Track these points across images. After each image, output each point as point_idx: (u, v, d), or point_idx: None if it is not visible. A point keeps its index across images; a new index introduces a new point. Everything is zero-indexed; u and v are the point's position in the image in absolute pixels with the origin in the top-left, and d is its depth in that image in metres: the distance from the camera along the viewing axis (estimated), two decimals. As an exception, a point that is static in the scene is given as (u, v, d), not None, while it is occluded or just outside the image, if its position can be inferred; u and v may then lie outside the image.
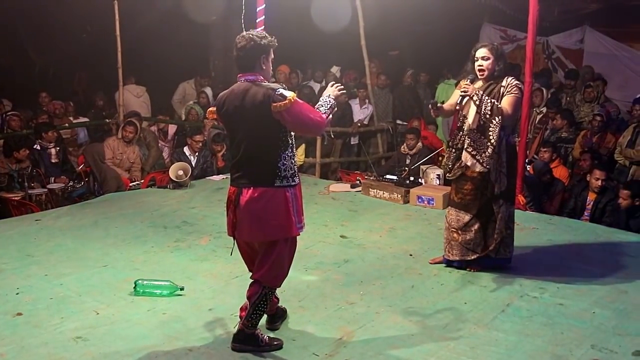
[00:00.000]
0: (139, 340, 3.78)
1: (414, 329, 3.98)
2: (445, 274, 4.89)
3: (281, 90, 3.49)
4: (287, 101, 3.44)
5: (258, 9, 8.16)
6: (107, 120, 9.64)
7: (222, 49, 11.39)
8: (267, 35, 3.64)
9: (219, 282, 4.67)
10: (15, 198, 6.95)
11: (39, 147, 7.75)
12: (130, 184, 7.94)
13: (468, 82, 4.72)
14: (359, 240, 5.71)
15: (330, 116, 3.72)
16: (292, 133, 3.65)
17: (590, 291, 4.57)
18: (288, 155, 3.60)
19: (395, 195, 6.95)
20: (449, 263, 5.01)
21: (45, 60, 11.50)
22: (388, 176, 7.34)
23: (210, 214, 6.44)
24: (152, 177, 7.93)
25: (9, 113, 8.58)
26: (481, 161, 4.69)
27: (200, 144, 8.23)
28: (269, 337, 3.75)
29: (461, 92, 4.71)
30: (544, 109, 8.90)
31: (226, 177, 7.98)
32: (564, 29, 11.07)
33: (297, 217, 3.65)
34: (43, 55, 11.36)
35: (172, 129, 10.02)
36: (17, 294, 4.41)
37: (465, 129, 4.80)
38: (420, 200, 6.79)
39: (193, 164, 8.10)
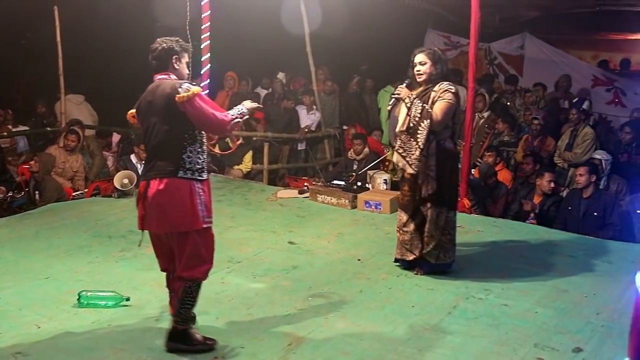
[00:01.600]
0: (83, 353, 3.69)
1: (363, 333, 4.00)
2: (393, 278, 4.94)
3: (187, 84, 3.64)
4: (189, 93, 3.58)
5: (203, 15, 8.11)
6: (48, 129, 9.39)
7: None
8: (180, 40, 3.90)
9: (166, 292, 4.56)
10: (-49, 209, 6.70)
11: (-25, 157, 7.50)
12: (74, 194, 7.75)
13: (403, 85, 4.88)
14: (307, 246, 5.72)
15: (240, 121, 3.87)
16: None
17: (533, 291, 4.69)
18: (196, 150, 3.71)
19: (343, 200, 6.99)
20: (396, 260, 5.13)
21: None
22: (335, 182, 7.38)
23: (157, 222, 6.33)
24: (97, 186, 7.76)
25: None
26: (410, 163, 4.79)
27: (147, 152, 8.10)
28: (202, 336, 3.79)
29: (392, 94, 4.90)
30: (486, 114, 9.09)
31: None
32: (505, 36, 11.38)
33: (206, 211, 3.73)
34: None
35: (115, 137, 9.84)
36: (-47, 309, 4.25)
37: (396, 131, 4.91)
38: (367, 205, 6.84)
39: (139, 172, 7.96)
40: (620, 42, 12.47)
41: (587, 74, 10.37)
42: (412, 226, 4.92)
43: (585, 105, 8.34)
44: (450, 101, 4.71)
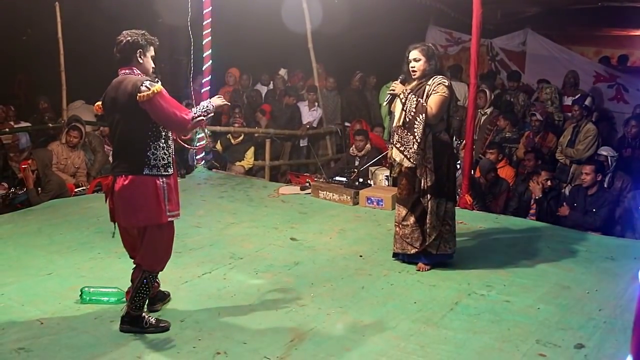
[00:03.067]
0: (85, 349, 3.69)
1: (365, 329, 4.00)
2: (395, 274, 4.94)
3: (148, 83, 3.71)
4: (150, 92, 3.65)
5: (205, 12, 8.12)
6: (50, 125, 9.39)
7: (168, 52, 11.24)
8: (146, 33, 3.92)
9: (168, 288, 4.59)
10: (-46, 206, 6.71)
11: (-24, 153, 7.50)
12: (76, 190, 7.75)
13: (398, 81, 4.93)
14: (309, 242, 5.72)
15: (203, 119, 3.92)
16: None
17: (535, 287, 4.70)
18: (159, 146, 3.81)
19: (345, 197, 6.99)
20: (394, 255, 5.17)
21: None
22: (337, 178, 7.38)
23: (159, 218, 6.34)
24: (99, 182, 7.75)
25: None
26: (408, 157, 4.86)
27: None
28: (155, 319, 3.95)
29: (389, 91, 4.97)
30: (488, 110, 9.08)
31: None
32: (507, 32, 11.35)
33: (169, 205, 3.83)
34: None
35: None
36: (-44, 305, 4.26)
37: (393, 126, 4.96)
38: (369, 201, 6.85)
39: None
40: (623, 38, 12.46)
41: (589, 70, 10.33)
42: (412, 219, 4.97)
43: (587, 102, 8.31)
44: (444, 94, 4.77)
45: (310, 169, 9.78)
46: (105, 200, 3.93)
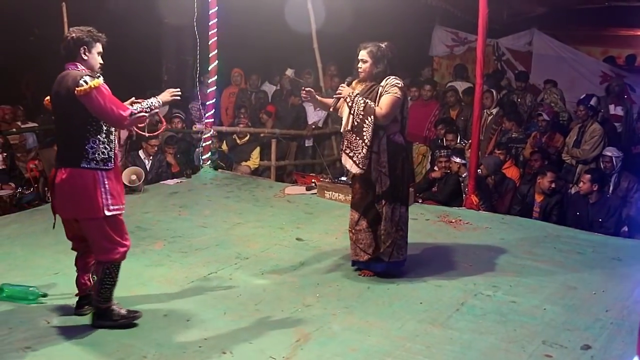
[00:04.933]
0: (91, 348, 3.70)
1: (371, 330, 4.00)
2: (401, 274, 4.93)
3: (87, 77, 3.75)
4: (87, 87, 3.70)
5: (211, 12, 8.13)
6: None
7: (174, 52, 11.26)
8: (92, 30, 3.96)
9: (174, 288, 4.62)
10: (-39, 205, 6.74)
11: (-16, 154, 7.55)
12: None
13: (345, 84, 4.84)
14: (314, 242, 5.72)
15: (145, 115, 3.99)
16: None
17: (541, 288, 4.68)
18: (100, 140, 3.86)
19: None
20: (353, 263, 5.00)
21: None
22: (343, 178, 7.36)
23: (165, 218, 6.36)
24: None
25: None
26: (357, 162, 4.68)
27: (156, 148, 8.15)
28: (126, 310, 4.01)
29: (335, 94, 4.85)
30: (494, 110, 9.07)
31: (181, 181, 7.91)
32: (513, 32, 11.31)
33: (112, 199, 3.88)
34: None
35: (123, 133, 9.85)
36: (-38, 304, 4.27)
37: (342, 130, 4.85)
38: (375, 201, 6.82)
39: (148, 167, 8.01)
40: (630, 38, 12.39)
41: (595, 70, 10.29)
42: (364, 224, 4.80)
43: (592, 102, 8.27)
44: (396, 95, 4.62)
45: (316, 169, 9.77)
46: (48, 192, 4.03)
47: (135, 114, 3.91)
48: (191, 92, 10.57)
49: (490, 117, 9.00)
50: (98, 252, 3.94)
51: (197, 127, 8.91)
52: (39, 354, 3.64)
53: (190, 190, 7.60)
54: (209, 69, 8.37)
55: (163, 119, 4.63)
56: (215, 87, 8.54)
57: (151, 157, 8.12)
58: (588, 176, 6.76)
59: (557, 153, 8.35)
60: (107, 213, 3.85)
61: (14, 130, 9.04)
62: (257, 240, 5.74)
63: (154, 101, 4.08)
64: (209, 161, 8.60)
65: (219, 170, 8.63)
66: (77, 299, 4.18)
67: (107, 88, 3.85)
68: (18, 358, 3.59)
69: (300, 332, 3.93)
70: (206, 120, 8.62)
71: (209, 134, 8.55)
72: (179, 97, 4.26)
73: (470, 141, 7.17)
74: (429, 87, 9.70)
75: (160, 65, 11.66)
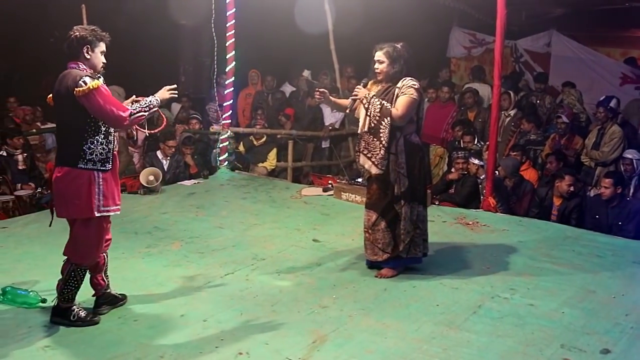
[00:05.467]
0: (109, 348, 3.73)
1: (387, 331, 3.99)
2: (418, 276, 4.91)
3: (86, 78, 3.76)
4: (85, 88, 3.72)
5: (228, 13, 8.16)
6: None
7: (192, 54, 11.32)
8: (96, 29, 3.96)
9: (191, 288, 4.64)
10: (-18, 205, 6.82)
11: (5, 154, 7.62)
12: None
13: (361, 85, 4.85)
14: (331, 243, 5.72)
15: (144, 114, 3.98)
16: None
17: (560, 291, 4.64)
18: (98, 141, 3.88)
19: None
20: (368, 263, 5.05)
21: (11, 65, 11.29)
22: (359, 180, 7.35)
23: (182, 219, 6.40)
24: (123, 182, 7.81)
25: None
26: (376, 163, 4.71)
27: (173, 149, 8.20)
28: (86, 313, 4.04)
29: (352, 96, 4.86)
30: (512, 112, 9.01)
31: (198, 182, 7.95)
32: (531, 33, 11.22)
33: (103, 201, 3.90)
34: (8, 60, 11.15)
35: (141, 134, 9.92)
36: (-17, 302, 4.32)
37: (359, 132, 4.86)
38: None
39: (165, 168, 8.06)
40: (651, 40, 12.24)
41: (615, 71, 10.18)
42: (382, 224, 4.83)
43: (612, 103, 8.19)
44: (412, 96, 4.64)
45: (332, 170, 9.77)
46: (48, 190, 4.05)
47: (135, 114, 3.92)
48: (208, 93, 10.62)
49: (508, 119, 8.95)
50: (72, 252, 3.97)
51: (215, 128, 8.95)
52: (58, 353, 3.67)
53: (207, 191, 7.63)
54: (226, 70, 8.40)
55: (164, 116, 4.62)
56: (232, 89, 8.57)
57: (169, 158, 8.16)
58: (610, 180, 6.59)
59: (575, 155, 8.27)
60: (97, 214, 3.88)
61: (34, 130, 9.14)
62: (273, 241, 5.75)
63: (152, 100, 4.07)
64: (226, 162, 8.63)
65: (236, 171, 8.67)
66: (94, 299, 4.21)
67: (107, 88, 3.87)
68: (38, 357, 3.63)
69: (317, 334, 3.93)
70: (223, 122, 8.66)
71: (226, 135, 8.59)
72: (176, 95, 4.27)
73: (488, 143, 7.12)
74: (447, 88, 9.69)
75: (178, 66, 11.72)
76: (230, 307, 4.32)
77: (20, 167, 7.66)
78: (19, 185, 7.43)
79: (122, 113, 3.83)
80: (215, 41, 8.14)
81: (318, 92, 4.97)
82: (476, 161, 7.60)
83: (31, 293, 4.33)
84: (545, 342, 3.86)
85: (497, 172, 7.18)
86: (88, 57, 3.90)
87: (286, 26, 10.17)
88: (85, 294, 4.17)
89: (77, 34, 3.88)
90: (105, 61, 4.01)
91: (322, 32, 9.98)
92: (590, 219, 6.75)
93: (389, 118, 4.61)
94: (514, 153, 7.92)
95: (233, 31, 8.20)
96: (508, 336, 3.95)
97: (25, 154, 7.80)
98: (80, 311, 4.01)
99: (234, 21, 8.17)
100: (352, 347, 3.79)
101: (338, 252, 5.49)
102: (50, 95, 4.05)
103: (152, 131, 5.11)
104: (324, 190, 7.54)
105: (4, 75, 11.58)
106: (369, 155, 4.75)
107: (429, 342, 3.86)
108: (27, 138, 8.43)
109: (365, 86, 4.89)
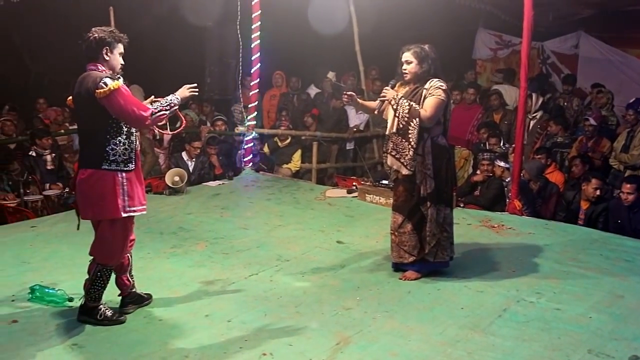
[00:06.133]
0: (135, 347, 3.77)
1: (411, 334, 3.97)
2: (442, 279, 4.89)
3: (106, 79, 3.77)
4: (106, 89, 3.72)
5: (253, 15, 8.20)
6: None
7: (217, 55, 11.39)
8: (114, 30, 3.99)
9: (216, 288, 4.66)
10: (11, 205, 6.92)
11: (34, 154, 7.74)
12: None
13: (389, 87, 4.85)
14: (355, 245, 5.71)
15: (165, 113, 3.98)
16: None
17: (587, 296, 4.58)
18: (120, 141, 3.89)
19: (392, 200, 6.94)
20: (393, 266, 5.03)
21: (41, 67, 11.47)
22: (384, 181, 7.34)
23: (207, 219, 6.44)
24: (148, 183, 7.89)
25: (2, 119, 8.55)
26: (405, 164, 4.71)
27: (199, 150, 8.27)
28: (112, 312, 4.08)
29: (379, 97, 4.86)
30: (538, 114, 8.92)
31: (223, 183, 8.00)
32: (558, 34, 11.10)
33: (129, 201, 3.92)
34: (38, 62, 11.33)
35: (167, 135, 10.01)
36: (12, 300, 4.39)
37: (387, 133, 4.85)
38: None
39: (190, 169, 8.12)
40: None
41: (645, 73, 10.04)
42: (409, 226, 4.81)
43: (643, 106, 8.07)
44: (440, 97, 4.63)
45: (357, 172, 9.77)
46: (71, 192, 4.07)
47: (156, 113, 3.93)
48: (234, 94, 10.67)
49: (533, 122, 8.86)
50: (97, 253, 4.00)
51: (239, 129, 9.01)
52: (85, 351, 3.71)
53: (232, 192, 7.68)
54: (251, 71, 8.45)
55: (183, 117, 4.64)
56: (257, 90, 8.61)
57: (194, 159, 8.23)
58: (632, 185, 6.45)
59: (603, 158, 8.16)
60: (124, 214, 3.90)
61: (62, 131, 9.28)
62: (297, 243, 5.76)
63: (172, 98, 4.06)
64: (251, 163, 8.67)
65: (261, 172, 8.70)
66: (120, 298, 4.26)
67: (127, 89, 3.88)
68: (65, 355, 3.67)
69: (341, 336, 3.93)
70: (248, 123, 8.71)
71: (250, 137, 8.63)
72: (196, 93, 4.26)
73: (513, 145, 7.05)
74: (472, 90, 9.62)
75: (204, 68, 11.80)
76: (254, 307, 4.33)
77: (48, 167, 7.78)
78: (47, 185, 7.54)
79: (143, 113, 3.85)
80: (241, 43, 8.19)
81: (346, 95, 4.98)
82: (502, 163, 7.54)
83: (59, 292, 4.39)
84: (572, 347, 3.81)
85: (522, 174, 7.11)
86: (107, 58, 3.92)
87: (311, 28, 10.19)
88: (111, 294, 4.21)
89: (96, 35, 3.89)
90: (123, 62, 4.03)
91: (346, 34, 9.99)
92: (613, 223, 6.64)
93: (417, 119, 4.61)
94: (539, 156, 7.84)
95: (259, 33, 8.25)
96: (534, 340, 3.91)
97: (54, 154, 7.92)
98: (106, 310, 4.05)
99: (259, 23, 8.21)
100: (376, 349, 3.78)
101: (362, 254, 5.48)
102: (70, 97, 4.08)
103: (172, 132, 5.13)
104: (348, 192, 7.54)
105: (35, 77, 11.77)
106: (397, 156, 4.76)
107: (453, 345, 3.84)
108: (56, 138, 8.56)
109: (393, 87, 4.89)
